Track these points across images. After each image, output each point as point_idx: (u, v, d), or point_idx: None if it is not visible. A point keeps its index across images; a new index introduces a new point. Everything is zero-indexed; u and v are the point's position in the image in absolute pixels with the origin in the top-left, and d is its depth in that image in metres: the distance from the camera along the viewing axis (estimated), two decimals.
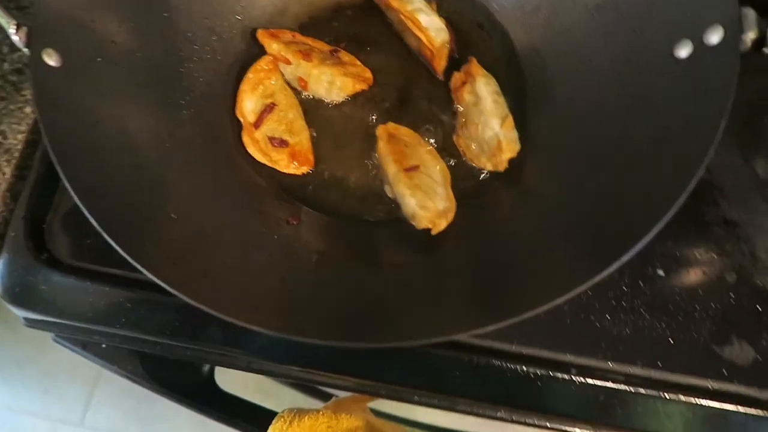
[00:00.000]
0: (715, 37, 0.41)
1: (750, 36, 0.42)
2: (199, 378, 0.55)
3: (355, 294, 0.46)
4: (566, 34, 0.54)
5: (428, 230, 0.49)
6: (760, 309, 0.48)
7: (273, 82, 0.55)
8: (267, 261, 0.47)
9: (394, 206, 0.52)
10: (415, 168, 0.51)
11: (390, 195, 0.52)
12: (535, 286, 0.43)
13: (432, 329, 0.40)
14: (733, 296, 0.48)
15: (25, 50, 0.42)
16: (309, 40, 0.57)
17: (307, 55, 0.55)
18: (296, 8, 0.59)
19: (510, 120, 0.52)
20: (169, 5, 0.53)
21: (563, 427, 0.46)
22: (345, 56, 0.56)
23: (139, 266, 0.40)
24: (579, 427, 0.46)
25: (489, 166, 0.52)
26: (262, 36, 0.56)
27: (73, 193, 0.41)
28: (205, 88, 0.55)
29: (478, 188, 0.53)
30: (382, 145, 0.53)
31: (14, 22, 0.41)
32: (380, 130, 0.53)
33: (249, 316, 0.40)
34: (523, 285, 0.44)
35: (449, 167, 0.53)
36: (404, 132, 0.54)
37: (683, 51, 0.44)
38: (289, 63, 0.55)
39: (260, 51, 0.56)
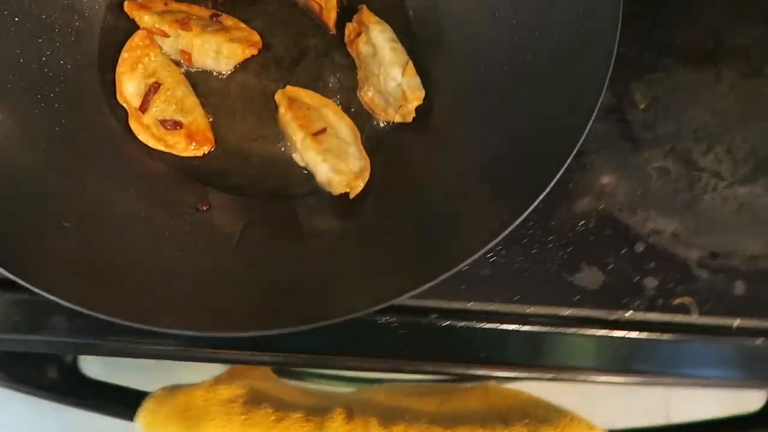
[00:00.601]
0: None
1: None
2: (63, 369, 0.51)
3: (283, 274, 0.44)
4: None
5: (347, 195, 0.47)
6: (606, 233, 0.50)
7: (153, 59, 0.50)
8: (182, 256, 0.44)
9: (307, 174, 0.50)
10: (322, 131, 0.49)
11: (301, 163, 0.50)
12: (465, 235, 0.42)
13: (368, 298, 0.39)
14: (582, 224, 0.50)
15: None
16: (184, 6, 0.52)
17: (185, 24, 0.50)
18: None
19: (411, 66, 0.50)
20: None
21: (431, 368, 0.48)
22: (228, 20, 0.52)
23: (41, 291, 0.36)
24: (452, 368, 0.48)
25: (397, 118, 0.51)
26: (130, 8, 0.50)
27: None
28: (77, 76, 0.49)
29: (391, 142, 0.51)
30: (283, 112, 0.50)
31: None
32: (279, 96, 0.50)
33: (174, 320, 0.37)
34: (452, 236, 0.43)
35: (357, 124, 0.51)
36: (305, 94, 0.51)
37: None
38: (166, 35, 0.50)
39: (133, 26, 0.51)
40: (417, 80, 0.50)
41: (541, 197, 0.40)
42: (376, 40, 0.51)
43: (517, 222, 0.39)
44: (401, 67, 0.50)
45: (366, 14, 0.52)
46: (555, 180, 0.40)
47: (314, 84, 0.52)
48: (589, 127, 0.40)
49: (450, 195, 0.46)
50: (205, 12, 0.52)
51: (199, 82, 0.52)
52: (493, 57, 0.49)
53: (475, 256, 0.39)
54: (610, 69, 0.40)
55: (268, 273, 0.43)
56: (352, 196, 0.47)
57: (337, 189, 0.47)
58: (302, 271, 0.43)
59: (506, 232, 0.39)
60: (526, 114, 0.45)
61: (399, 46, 0.51)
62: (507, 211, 0.40)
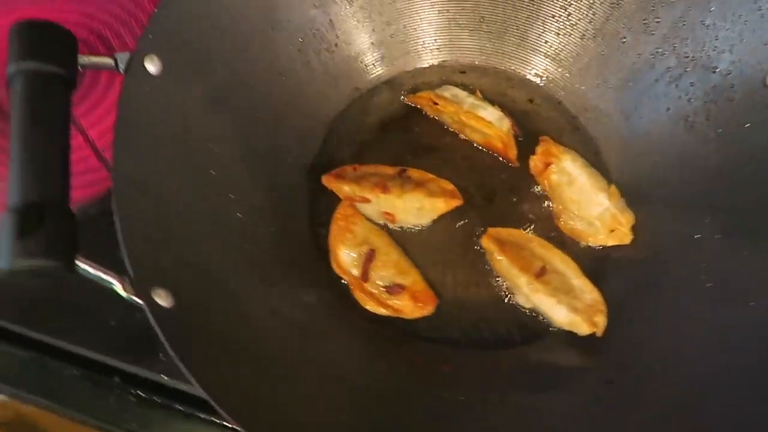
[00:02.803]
0: None
1: None
2: None
3: None
4: (625, 84, 0.53)
5: (590, 335, 0.46)
6: None
7: (360, 226, 0.50)
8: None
9: (533, 316, 0.49)
10: (543, 270, 0.48)
11: (526, 305, 0.49)
12: None
13: None
14: None
15: (137, 300, 0.36)
16: (371, 168, 0.53)
17: (384, 187, 0.51)
18: (342, 139, 0.56)
19: (615, 190, 0.50)
20: (221, 186, 0.48)
21: None
22: (415, 173, 0.53)
23: None
24: None
25: (610, 242, 0.50)
26: (328, 182, 0.52)
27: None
28: (288, 252, 0.50)
29: (608, 267, 0.50)
30: (498, 257, 0.49)
31: (117, 277, 0.35)
32: (487, 242, 0.50)
33: None
34: None
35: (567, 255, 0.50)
36: (508, 234, 0.51)
37: None
38: (368, 201, 0.51)
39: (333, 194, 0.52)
40: (623, 201, 0.50)
41: None
42: (570, 169, 0.52)
43: None
44: (605, 191, 0.50)
45: (553, 146, 0.52)
46: None
47: (510, 220, 0.52)
48: None
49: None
50: (391, 170, 0.53)
51: (400, 238, 0.52)
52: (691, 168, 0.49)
53: None
54: None
55: None
56: (600, 333, 0.45)
57: (583, 329, 0.46)
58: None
59: None
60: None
61: (594, 171, 0.52)
62: None
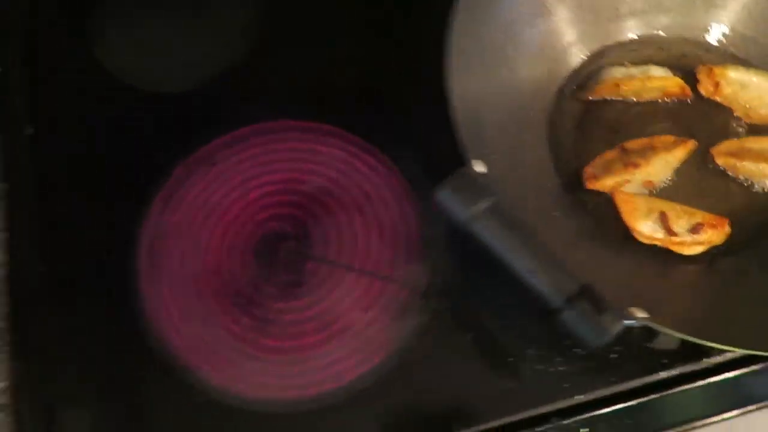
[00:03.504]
0: None
1: None
2: None
3: None
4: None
5: None
6: None
7: (637, 202, 0.61)
8: None
9: None
10: None
11: None
12: None
13: None
14: None
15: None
16: (599, 160, 0.64)
17: (634, 164, 0.62)
18: (559, 154, 0.66)
19: None
20: None
21: None
22: (632, 144, 0.64)
23: None
24: None
25: None
26: (591, 185, 0.62)
27: None
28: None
29: None
30: (738, 164, 0.62)
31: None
32: (721, 158, 0.63)
33: None
34: None
35: None
36: (731, 144, 0.64)
37: None
38: (628, 182, 0.62)
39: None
40: None
41: None
42: (737, 77, 0.65)
43: None
44: None
45: (711, 69, 0.66)
46: None
47: (716, 139, 0.65)
48: None
49: None
50: (613, 152, 0.64)
51: (662, 195, 0.63)
52: None
53: None
54: None
55: None
56: None
57: None
58: None
59: None
60: None
61: (757, 68, 0.65)
62: None
